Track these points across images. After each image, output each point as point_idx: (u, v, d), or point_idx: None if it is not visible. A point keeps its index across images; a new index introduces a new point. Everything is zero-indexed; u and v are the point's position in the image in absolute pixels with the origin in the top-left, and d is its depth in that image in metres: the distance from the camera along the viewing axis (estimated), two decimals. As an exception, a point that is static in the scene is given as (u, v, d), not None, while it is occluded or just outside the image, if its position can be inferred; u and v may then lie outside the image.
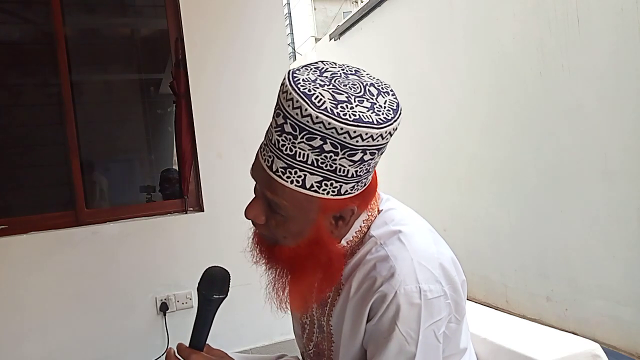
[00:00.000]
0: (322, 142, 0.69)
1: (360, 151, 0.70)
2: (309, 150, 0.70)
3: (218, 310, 0.87)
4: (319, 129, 0.68)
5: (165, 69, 3.33)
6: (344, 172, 0.72)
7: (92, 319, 2.46)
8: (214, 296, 0.85)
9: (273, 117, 0.74)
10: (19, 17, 3.32)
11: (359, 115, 0.69)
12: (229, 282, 0.88)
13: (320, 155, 0.70)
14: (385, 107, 0.72)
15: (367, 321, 0.80)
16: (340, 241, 0.83)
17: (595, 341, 1.05)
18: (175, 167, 3.26)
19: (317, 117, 0.67)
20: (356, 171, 0.72)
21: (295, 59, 12.93)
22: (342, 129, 0.67)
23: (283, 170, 0.72)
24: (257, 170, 0.77)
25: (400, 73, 4.63)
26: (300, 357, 1.05)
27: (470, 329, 0.96)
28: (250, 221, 0.82)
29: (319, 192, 0.73)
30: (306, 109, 0.68)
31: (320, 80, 0.72)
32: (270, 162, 0.74)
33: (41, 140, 3.23)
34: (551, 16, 2.85)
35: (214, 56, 2.71)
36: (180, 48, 2.70)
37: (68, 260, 2.44)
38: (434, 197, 4.22)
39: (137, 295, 2.55)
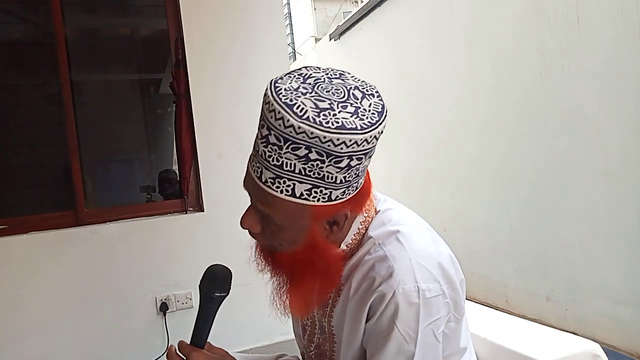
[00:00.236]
0: (307, 151, 0.68)
1: (346, 157, 0.69)
2: (295, 159, 0.69)
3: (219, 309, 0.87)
4: (303, 138, 0.67)
5: (165, 69, 3.32)
6: (332, 178, 0.71)
7: (92, 319, 2.46)
8: (216, 294, 0.85)
9: (258, 128, 0.73)
10: (19, 17, 3.32)
11: (342, 122, 0.68)
12: (231, 280, 0.88)
13: (307, 164, 0.69)
14: (369, 111, 0.72)
15: (367, 321, 0.80)
16: (340, 245, 0.83)
17: (595, 341, 1.05)
18: (175, 167, 3.26)
19: (299, 127, 0.67)
20: (344, 177, 0.72)
21: (295, 59, 12.90)
22: (325, 137, 0.67)
23: (272, 181, 0.72)
24: (248, 182, 0.78)
25: (400, 73, 4.63)
26: (300, 357, 1.05)
27: (470, 329, 0.96)
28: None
29: (309, 200, 0.72)
30: (288, 120, 0.67)
31: (303, 87, 0.71)
32: (259, 172, 0.74)
33: (41, 140, 3.22)
34: (551, 16, 2.85)
35: (214, 56, 2.72)
36: (180, 48, 2.71)
37: (68, 260, 2.45)
38: (433, 197, 4.22)
39: (137, 295, 2.55)
